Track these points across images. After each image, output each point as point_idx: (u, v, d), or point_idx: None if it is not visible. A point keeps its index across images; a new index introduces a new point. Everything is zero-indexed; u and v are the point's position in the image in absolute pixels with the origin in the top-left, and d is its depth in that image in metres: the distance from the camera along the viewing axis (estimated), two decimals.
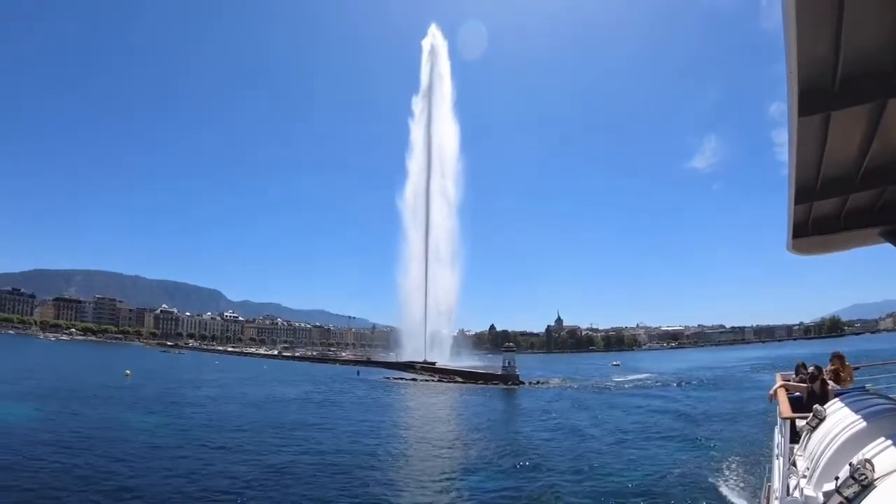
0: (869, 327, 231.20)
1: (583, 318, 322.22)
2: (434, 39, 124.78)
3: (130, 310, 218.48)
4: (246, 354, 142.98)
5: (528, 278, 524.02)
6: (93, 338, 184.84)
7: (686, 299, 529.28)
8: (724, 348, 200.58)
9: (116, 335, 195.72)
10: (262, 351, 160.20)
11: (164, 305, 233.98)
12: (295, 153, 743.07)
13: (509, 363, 57.83)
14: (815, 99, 4.10)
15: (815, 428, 5.30)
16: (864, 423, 4.48)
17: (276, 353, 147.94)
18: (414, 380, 61.88)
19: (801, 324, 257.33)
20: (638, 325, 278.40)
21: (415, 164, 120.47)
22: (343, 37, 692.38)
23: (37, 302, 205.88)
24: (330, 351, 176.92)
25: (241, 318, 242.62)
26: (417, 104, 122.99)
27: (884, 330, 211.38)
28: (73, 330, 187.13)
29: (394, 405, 40.57)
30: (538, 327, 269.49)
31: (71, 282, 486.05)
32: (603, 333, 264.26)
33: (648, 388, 50.56)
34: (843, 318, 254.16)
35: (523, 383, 55.36)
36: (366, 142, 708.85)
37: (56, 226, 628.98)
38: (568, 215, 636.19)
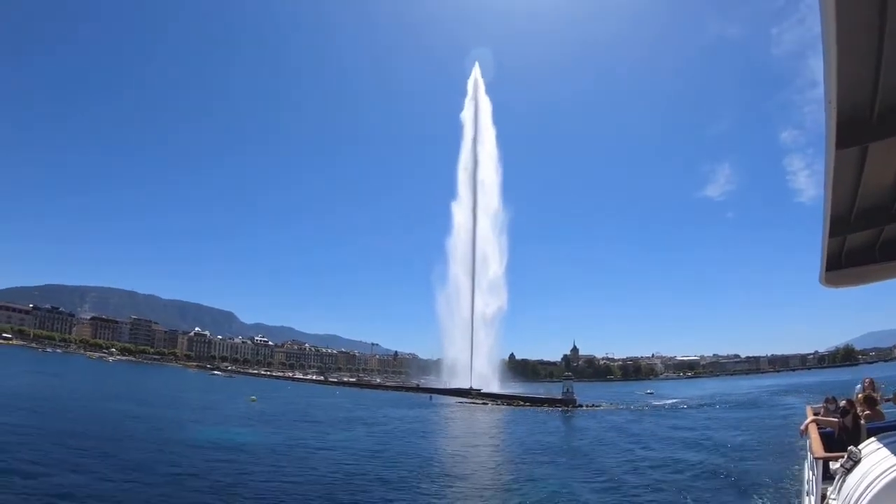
0: (883, 355, 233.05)
1: (598, 347, 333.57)
2: (476, 80, 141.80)
3: (165, 331, 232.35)
4: (294, 380, 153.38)
5: (541, 308, 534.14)
6: (131, 358, 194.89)
7: (700, 329, 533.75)
8: (740, 377, 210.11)
9: (154, 356, 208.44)
10: (309, 376, 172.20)
11: (196, 328, 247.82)
12: (320, 186, 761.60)
13: (568, 389, 71.40)
14: (853, 131, 4.12)
15: (849, 470, 5.05)
16: None
17: (322, 378, 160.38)
18: (485, 403, 75.42)
19: (815, 353, 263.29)
20: (653, 354, 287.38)
21: (460, 210, 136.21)
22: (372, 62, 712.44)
23: (75, 320, 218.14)
24: (365, 377, 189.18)
25: (270, 343, 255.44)
26: (464, 148, 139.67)
27: None
28: (114, 349, 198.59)
29: (504, 425, 51.70)
30: (553, 356, 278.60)
31: (85, 298, 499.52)
32: (620, 363, 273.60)
33: (685, 409, 63.61)
34: (858, 347, 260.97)
35: (581, 406, 68.70)
36: (389, 178, 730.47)
37: (72, 241, 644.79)
38: (579, 245, 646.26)
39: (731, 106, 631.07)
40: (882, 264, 7.08)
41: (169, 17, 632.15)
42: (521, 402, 74.92)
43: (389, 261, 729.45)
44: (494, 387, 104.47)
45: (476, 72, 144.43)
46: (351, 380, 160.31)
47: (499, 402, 77.09)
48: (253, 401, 58.44)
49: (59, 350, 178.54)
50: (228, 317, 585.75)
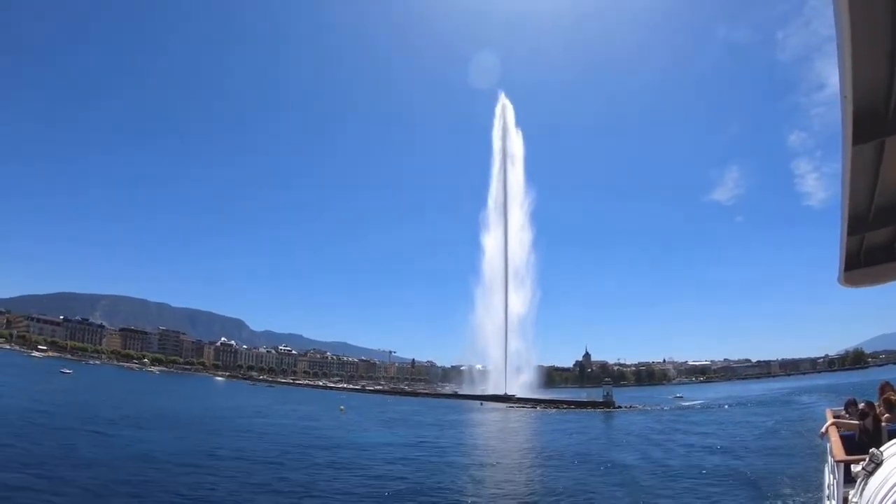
0: (893, 358, 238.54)
1: (608, 352, 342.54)
2: (505, 115, 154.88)
3: (192, 342, 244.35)
4: (330, 388, 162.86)
5: (550, 313, 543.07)
6: (163, 368, 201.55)
7: (710, 333, 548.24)
8: (752, 381, 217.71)
9: (185, 366, 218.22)
10: (341, 385, 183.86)
11: (223, 339, 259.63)
12: (328, 194, 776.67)
13: (608, 393, 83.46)
14: (869, 126, 4.13)
15: (871, 473, 4.87)
16: None
17: (359, 387, 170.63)
18: (534, 408, 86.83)
19: (825, 356, 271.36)
20: (665, 359, 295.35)
21: (491, 241, 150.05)
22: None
23: (104, 332, 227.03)
24: (398, 386, 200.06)
25: (294, 352, 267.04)
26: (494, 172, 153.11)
27: None
28: (146, 360, 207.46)
29: (562, 423, 61.17)
30: (564, 362, 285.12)
31: (96, 306, 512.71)
32: (633, 368, 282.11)
33: (712, 408, 74.86)
34: (868, 349, 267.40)
35: (620, 407, 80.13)
36: (401, 185, 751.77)
37: (83, 250, 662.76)
38: (588, 250, 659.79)
39: (739, 111, 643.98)
40: None
41: (180, 18, 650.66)
42: (566, 406, 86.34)
43: (399, 267, 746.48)
44: (526, 393, 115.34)
45: (504, 103, 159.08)
46: (386, 388, 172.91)
47: (546, 406, 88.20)
48: (342, 411, 65.17)
49: (97, 362, 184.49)
50: (238, 324, 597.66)
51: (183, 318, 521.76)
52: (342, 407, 68.60)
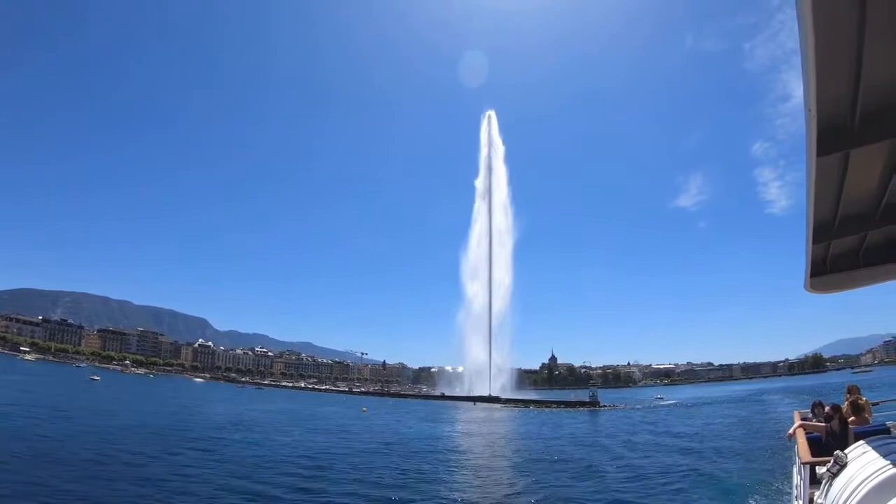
0: (851, 362, 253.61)
1: (574, 356, 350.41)
2: (491, 129, 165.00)
3: (171, 343, 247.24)
4: (318, 390, 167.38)
5: (517, 316, 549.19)
6: (144, 370, 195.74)
7: (674, 337, 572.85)
8: (714, 384, 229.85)
9: (165, 367, 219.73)
10: (325, 386, 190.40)
11: (200, 340, 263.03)
12: (302, 194, 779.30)
13: (594, 393, 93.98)
14: (834, 138, 4.22)
15: (836, 474, 5.21)
16: (891, 472, 4.43)
17: (347, 389, 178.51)
18: (527, 407, 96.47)
19: (786, 360, 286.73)
20: (629, 363, 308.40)
21: (477, 246, 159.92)
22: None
23: (83, 332, 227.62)
24: (381, 388, 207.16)
25: (270, 353, 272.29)
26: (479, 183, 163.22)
27: (864, 365, 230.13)
28: (128, 362, 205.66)
29: (558, 420, 70.01)
30: (530, 364, 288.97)
31: (58, 303, 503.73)
32: (600, 371, 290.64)
33: (692, 406, 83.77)
34: (827, 354, 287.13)
35: (604, 406, 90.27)
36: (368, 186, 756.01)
37: (44, 246, 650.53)
38: (553, 253, 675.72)
39: (705, 118, 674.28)
40: (867, 269, 7.49)
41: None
42: (556, 405, 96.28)
43: (363, 268, 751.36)
44: (504, 394, 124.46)
45: (490, 118, 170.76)
46: (374, 389, 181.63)
47: (538, 406, 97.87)
48: (364, 412, 69.70)
49: (83, 364, 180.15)
50: (202, 323, 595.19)
51: (146, 317, 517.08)
52: (364, 408, 73.45)
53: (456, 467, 26.87)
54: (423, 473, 24.03)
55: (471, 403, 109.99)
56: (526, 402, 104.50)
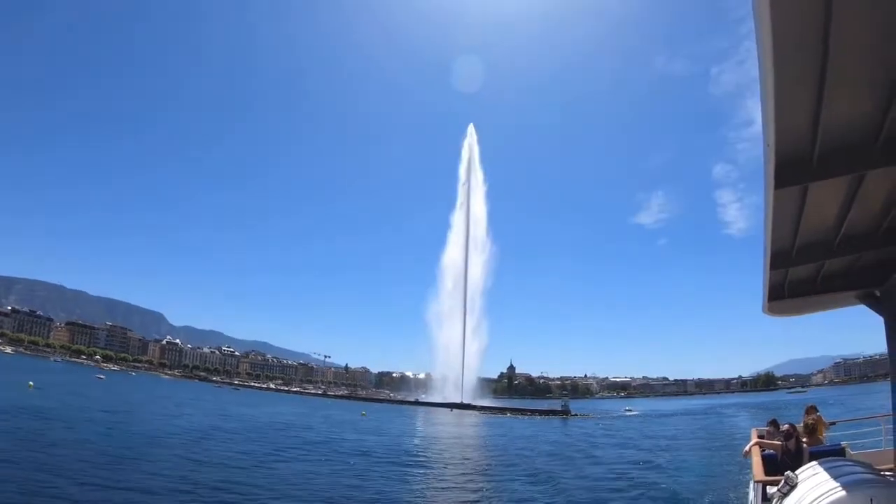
0: (801, 381, 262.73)
1: (532, 365, 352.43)
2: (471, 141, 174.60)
3: (139, 338, 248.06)
4: (292, 392, 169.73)
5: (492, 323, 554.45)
6: (113, 366, 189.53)
7: (631, 351, 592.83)
8: (669, 398, 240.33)
9: (135, 364, 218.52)
10: (297, 388, 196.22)
11: (168, 337, 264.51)
12: (261, 195, 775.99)
13: (566, 403, 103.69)
14: (792, 172, 4.27)
15: (785, 494, 5.30)
16: (839, 494, 4.52)
17: (321, 392, 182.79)
18: (504, 414, 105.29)
19: (739, 377, 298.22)
20: (586, 375, 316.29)
21: (455, 242, 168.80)
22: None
23: (52, 325, 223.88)
24: (349, 392, 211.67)
25: (236, 353, 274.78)
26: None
27: (814, 385, 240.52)
28: (98, 357, 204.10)
29: (537, 427, 77.11)
30: (488, 373, 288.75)
31: (11, 290, 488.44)
32: (558, 382, 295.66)
33: (654, 417, 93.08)
34: (779, 373, 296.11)
35: (575, 415, 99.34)
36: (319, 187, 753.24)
37: None
38: (512, 263, 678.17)
39: (670, 138, 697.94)
40: (823, 296, 7.66)
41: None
42: (530, 413, 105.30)
43: (323, 268, 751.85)
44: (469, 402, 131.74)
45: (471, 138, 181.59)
46: (343, 393, 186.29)
47: (514, 414, 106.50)
48: (363, 415, 71.05)
49: (57, 359, 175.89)
50: (158, 318, 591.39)
51: (100, 308, 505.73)
52: (363, 412, 75.73)
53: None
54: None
55: (447, 410, 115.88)
56: (502, 410, 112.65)
